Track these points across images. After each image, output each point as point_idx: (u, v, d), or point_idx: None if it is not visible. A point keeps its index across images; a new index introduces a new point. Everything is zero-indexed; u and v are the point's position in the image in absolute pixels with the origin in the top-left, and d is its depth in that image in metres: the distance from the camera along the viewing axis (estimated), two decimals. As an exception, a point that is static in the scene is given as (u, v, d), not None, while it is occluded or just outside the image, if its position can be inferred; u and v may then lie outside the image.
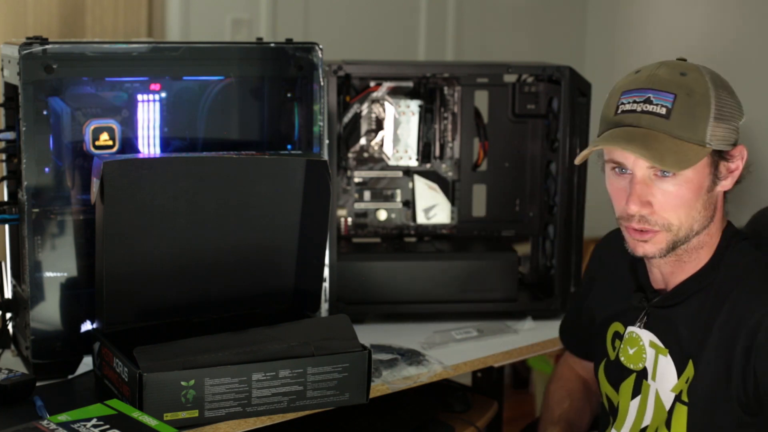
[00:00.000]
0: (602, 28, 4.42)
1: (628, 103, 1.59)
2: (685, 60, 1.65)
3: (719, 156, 1.59)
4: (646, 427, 1.71)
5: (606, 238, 1.91)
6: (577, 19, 4.45)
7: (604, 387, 1.81)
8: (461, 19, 4.01)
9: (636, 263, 1.77)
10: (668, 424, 1.67)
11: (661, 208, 1.59)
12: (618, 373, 1.76)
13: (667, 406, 1.67)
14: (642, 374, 1.72)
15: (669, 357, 1.67)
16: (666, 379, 1.68)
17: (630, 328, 1.74)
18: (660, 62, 1.63)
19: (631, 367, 1.73)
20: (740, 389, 1.59)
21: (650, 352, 1.70)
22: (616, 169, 1.62)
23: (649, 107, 1.56)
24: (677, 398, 1.66)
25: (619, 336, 1.77)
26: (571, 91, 2.24)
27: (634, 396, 1.73)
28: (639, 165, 1.58)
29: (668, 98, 1.56)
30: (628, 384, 1.74)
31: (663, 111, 1.55)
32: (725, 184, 1.63)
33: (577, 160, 1.66)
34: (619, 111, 1.60)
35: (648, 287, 1.74)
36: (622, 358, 1.75)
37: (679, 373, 1.66)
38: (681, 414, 1.65)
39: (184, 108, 1.94)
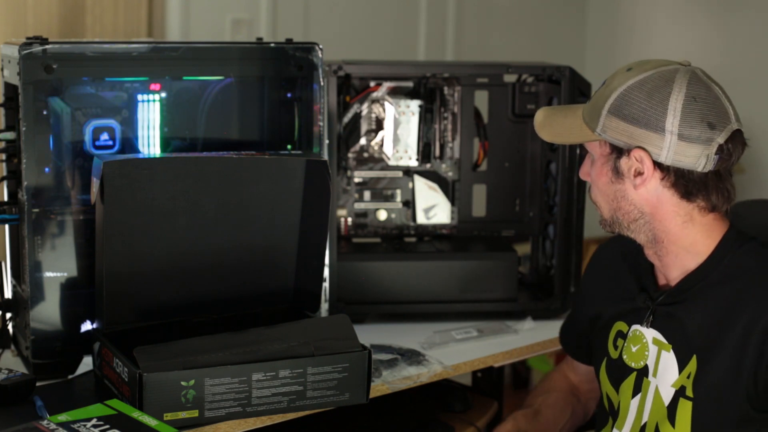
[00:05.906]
0: (602, 28, 4.42)
1: None
2: (686, 62, 1.66)
3: (618, 152, 1.65)
4: (645, 424, 1.72)
5: (607, 242, 1.94)
6: (577, 19, 4.46)
7: (605, 387, 1.82)
8: (461, 19, 4.01)
9: (637, 265, 1.79)
10: (672, 419, 1.68)
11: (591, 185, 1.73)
12: (619, 372, 1.77)
13: (666, 402, 1.68)
14: (643, 372, 1.73)
15: (672, 353, 1.68)
16: (667, 374, 1.69)
17: (634, 327, 1.75)
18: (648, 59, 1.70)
19: (633, 365, 1.74)
20: (750, 385, 1.61)
21: (653, 350, 1.71)
22: None
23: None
24: (680, 393, 1.67)
25: (622, 335, 1.78)
26: (571, 91, 2.24)
27: (634, 395, 1.74)
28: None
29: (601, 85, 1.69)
30: (629, 383, 1.75)
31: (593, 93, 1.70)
32: (637, 184, 1.64)
33: None
34: None
35: (652, 286, 1.75)
36: (624, 357, 1.76)
37: (681, 368, 1.67)
38: (685, 409, 1.66)
39: (184, 108, 1.94)
